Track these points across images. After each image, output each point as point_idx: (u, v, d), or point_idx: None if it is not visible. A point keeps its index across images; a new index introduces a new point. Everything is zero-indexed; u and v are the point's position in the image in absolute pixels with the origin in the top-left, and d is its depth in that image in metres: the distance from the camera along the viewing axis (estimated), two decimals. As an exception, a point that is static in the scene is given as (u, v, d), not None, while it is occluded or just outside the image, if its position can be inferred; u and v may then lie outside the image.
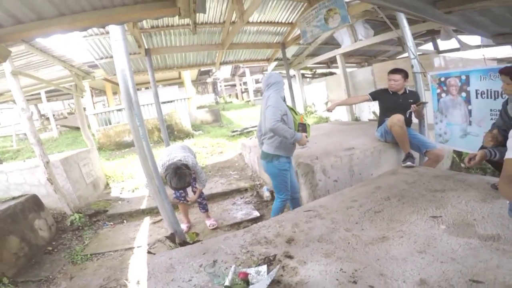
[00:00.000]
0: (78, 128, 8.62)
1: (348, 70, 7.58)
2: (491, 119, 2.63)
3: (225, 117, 12.46)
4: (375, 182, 2.66)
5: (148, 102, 9.32)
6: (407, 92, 3.36)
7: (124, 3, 1.90)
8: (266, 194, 4.03)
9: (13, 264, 2.66)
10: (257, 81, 21.46)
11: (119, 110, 9.46)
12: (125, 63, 2.28)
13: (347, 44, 6.48)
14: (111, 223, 3.81)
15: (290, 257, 1.62)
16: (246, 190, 4.44)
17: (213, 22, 5.00)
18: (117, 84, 11.87)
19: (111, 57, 4.77)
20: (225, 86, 22.96)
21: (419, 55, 3.53)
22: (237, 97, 21.24)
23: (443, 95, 3.13)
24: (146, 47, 5.05)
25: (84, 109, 9.12)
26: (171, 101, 10.33)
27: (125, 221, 3.87)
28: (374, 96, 3.59)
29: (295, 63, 8.17)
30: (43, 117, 14.24)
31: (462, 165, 3.54)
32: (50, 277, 2.66)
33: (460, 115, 2.96)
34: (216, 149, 7.08)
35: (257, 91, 20.28)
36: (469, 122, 2.87)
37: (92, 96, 12.07)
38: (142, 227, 3.57)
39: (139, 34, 4.55)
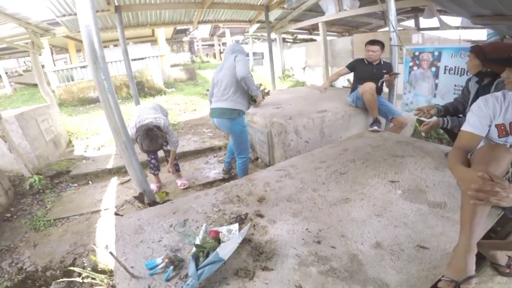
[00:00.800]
0: (35, 85, 7.87)
1: (328, 38, 7.59)
2: (454, 93, 2.87)
3: (201, 76, 11.97)
4: (343, 144, 2.76)
5: (117, 59, 8.96)
6: (382, 63, 3.47)
7: None
8: (240, 154, 4.05)
9: (-32, 234, 2.45)
10: (238, 43, 20.80)
11: (83, 67, 9.06)
12: (91, 18, 2.03)
13: (331, 12, 6.42)
14: (75, 184, 3.64)
15: (261, 216, 1.69)
16: (220, 148, 4.43)
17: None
18: (80, 41, 10.87)
19: (75, 14, 4.32)
20: (202, 45, 22.03)
21: (399, 30, 3.61)
22: (214, 57, 20.46)
23: (415, 68, 3.29)
24: (117, 4, 4.55)
25: (43, 66, 8.48)
26: (143, 58, 9.92)
27: (90, 182, 3.71)
28: (351, 67, 3.68)
29: (278, 26, 8.09)
30: (-6, 75, 12.68)
31: (423, 134, 3.79)
32: (12, 246, 2.51)
33: (427, 87, 3.19)
34: (189, 106, 6.87)
35: None
36: (434, 95, 3.10)
37: (52, 53, 11.32)
38: (109, 188, 3.46)
39: (108, -11, 4.03)
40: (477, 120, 1.36)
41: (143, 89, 8.47)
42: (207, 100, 7.19)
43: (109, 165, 3.95)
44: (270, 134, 3.47)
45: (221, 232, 1.37)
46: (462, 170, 1.18)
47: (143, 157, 3.23)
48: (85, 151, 4.67)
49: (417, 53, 3.24)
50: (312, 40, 9.81)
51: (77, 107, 7.93)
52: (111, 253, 1.16)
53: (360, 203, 1.72)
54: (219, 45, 20.56)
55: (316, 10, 6.99)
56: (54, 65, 10.34)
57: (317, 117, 3.28)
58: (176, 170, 3.31)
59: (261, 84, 4.45)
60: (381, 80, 3.39)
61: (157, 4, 5.02)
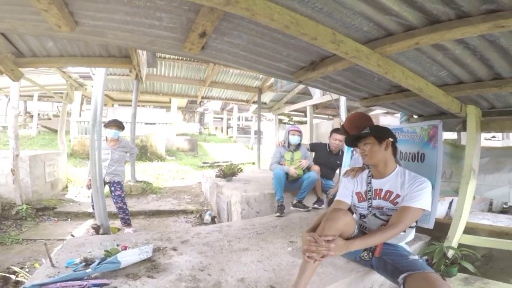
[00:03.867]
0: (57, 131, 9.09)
1: (317, 121, 8.14)
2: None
3: (203, 148, 12.99)
4: (282, 217, 3.25)
5: (139, 120, 9.36)
6: (340, 153, 3.88)
7: (101, 55, 2.82)
8: (207, 217, 4.47)
9: None
10: (246, 119, 21.93)
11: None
12: (100, 93, 2.96)
13: (317, 96, 7.01)
14: (55, 218, 4.12)
15: (175, 249, 2.15)
16: (192, 212, 4.91)
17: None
18: (110, 98, 12.41)
19: (110, 74, 5.53)
20: (214, 118, 23.12)
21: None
22: (222, 131, 21.57)
23: (354, 152, 3.79)
24: (136, 71, 5.79)
25: (70, 114, 9.40)
26: (154, 123, 11.01)
27: (69, 219, 4.19)
28: (313, 148, 4.24)
29: (275, 108, 8.66)
30: (27, 114, 14.47)
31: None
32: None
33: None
34: (179, 175, 7.59)
35: (242, 128, 20.85)
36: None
37: (81, 103, 12.11)
38: (82, 226, 3.92)
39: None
40: (343, 191, 1.92)
41: (146, 153, 9.33)
42: (199, 172, 7.99)
43: (91, 210, 4.46)
44: (230, 203, 4.01)
45: (129, 247, 1.85)
46: (302, 233, 1.61)
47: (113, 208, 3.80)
48: (75, 196, 5.26)
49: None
50: (305, 122, 10.53)
51: (85, 160, 8.57)
52: (45, 244, 1.66)
53: (255, 252, 2.16)
54: (228, 119, 21.76)
55: (309, 93, 7.39)
56: (80, 115, 10.90)
57: (269, 193, 3.84)
58: (128, 225, 3.71)
59: (234, 165, 5.18)
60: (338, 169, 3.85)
61: (169, 77, 6.35)
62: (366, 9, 1.09)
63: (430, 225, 2.43)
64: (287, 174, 3.57)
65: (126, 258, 1.70)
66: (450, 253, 2.30)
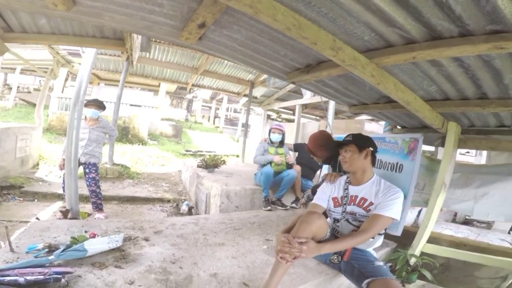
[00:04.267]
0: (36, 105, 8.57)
1: (304, 120, 8.22)
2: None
3: (187, 135, 12.73)
4: (260, 213, 3.26)
5: (124, 101, 9.15)
6: None
7: (94, 35, 2.73)
8: (184, 208, 4.41)
9: None
10: (235, 111, 21.84)
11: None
12: (86, 72, 2.82)
13: (307, 96, 7.01)
14: (21, 198, 3.88)
15: (147, 239, 2.08)
16: (168, 201, 4.81)
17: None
18: (97, 76, 11.94)
19: (100, 53, 5.29)
20: (202, 106, 22.70)
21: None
22: (208, 120, 21.24)
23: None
24: (128, 54, 5.57)
25: (51, 89, 8.87)
26: (139, 106, 10.63)
27: (36, 200, 3.96)
28: (296, 148, 4.40)
29: (265, 103, 8.67)
30: (6, 86, 13.76)
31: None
32: None
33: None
34: (160, 161, 7.41)
35: (230, 120, 20.68)
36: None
37: (66, 80, 11.67)
38: (50, 208, 3.72)
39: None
40: (321, 195, 1.94)
41: (127, 135, 9.03)
42: (180, 159, 7.86)
43: (61, 191, 4.24)
44: (209, 195, 3.96)
45: (98, 235, 1.77)
46: (278, 233, 1.63)
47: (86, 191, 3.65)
48: (46, 176, 4.99)
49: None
50: (292, 120, 10.63)
51: (61, 136, 8.16)
52: (6, 226, 1.55)
53: (230, 248, 2.14)
54: (216, 109, 21.47)
55: (300, 92, 7.46)
56: (62, 91, 10.37)
57: (250, 188, 3.84)
58: (100, 210, 3.58)
59: (217, 156, 5.16)
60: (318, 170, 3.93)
61: (161, 62, 6.15)
62: (371, 19, 1.08)
63: (398, 233, 2.52)
64: (271, 163, 3.70)
65: (94, 246, 1.62)
66: (413, 261, 2.41)
